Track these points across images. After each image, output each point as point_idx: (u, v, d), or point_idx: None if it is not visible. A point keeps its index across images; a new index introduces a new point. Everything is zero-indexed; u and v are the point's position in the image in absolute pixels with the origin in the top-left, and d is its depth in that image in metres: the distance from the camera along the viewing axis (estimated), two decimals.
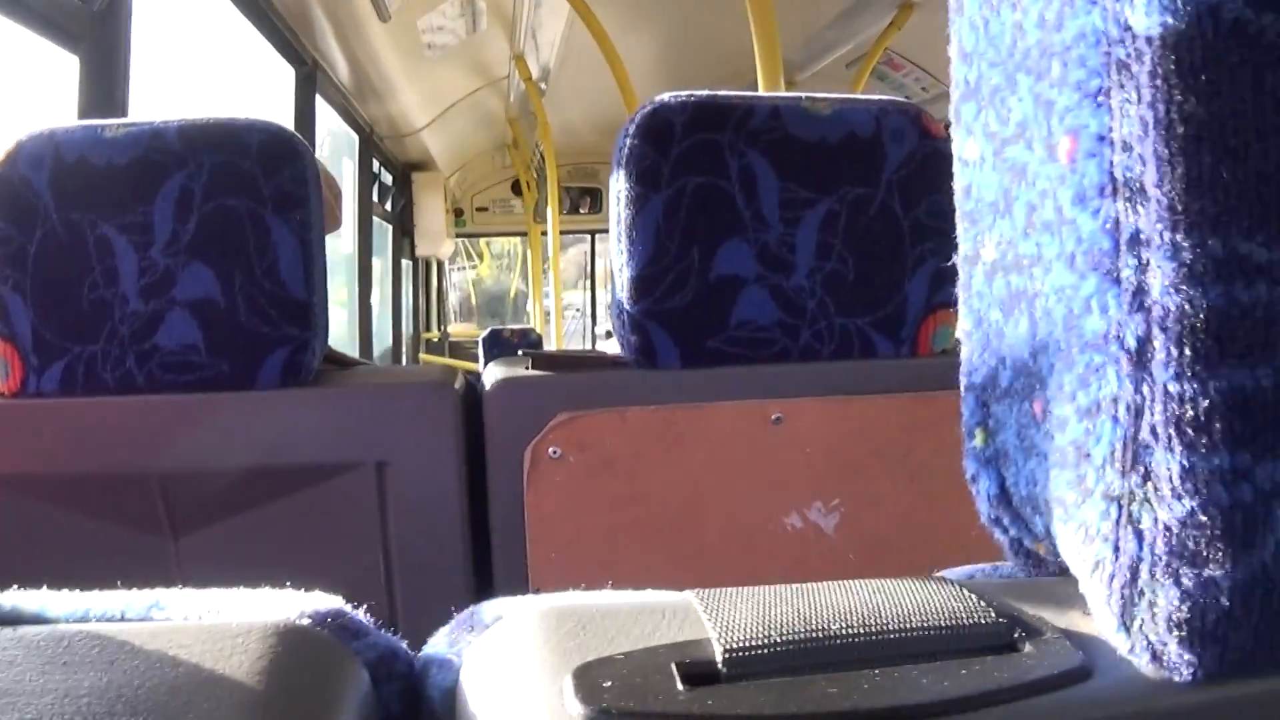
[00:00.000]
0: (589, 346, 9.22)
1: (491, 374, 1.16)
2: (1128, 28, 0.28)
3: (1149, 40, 0.28)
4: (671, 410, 1.13)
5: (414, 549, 1.14)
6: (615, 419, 1.13)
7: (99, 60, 2.23)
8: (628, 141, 1.11)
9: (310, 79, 4.32)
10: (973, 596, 0.35)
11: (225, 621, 0.37)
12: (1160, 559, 0.30)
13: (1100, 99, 0.29)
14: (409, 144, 6.78)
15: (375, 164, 6.33)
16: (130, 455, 1.10)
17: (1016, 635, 0.33)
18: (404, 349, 7.56)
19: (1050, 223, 0.32)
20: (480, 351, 6.44)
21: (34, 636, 0.35)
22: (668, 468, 1.15)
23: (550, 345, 6.34)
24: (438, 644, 0.40)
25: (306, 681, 0.34)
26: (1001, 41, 0.34)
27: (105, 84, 2.18)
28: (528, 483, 1.13)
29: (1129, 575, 0.30)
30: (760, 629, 0.32)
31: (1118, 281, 0.29)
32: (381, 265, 7.23)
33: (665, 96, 1.12)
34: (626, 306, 1.12)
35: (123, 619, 0.38)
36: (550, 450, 1.12)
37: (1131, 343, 0.29)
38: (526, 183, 8.25)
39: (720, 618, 0.33)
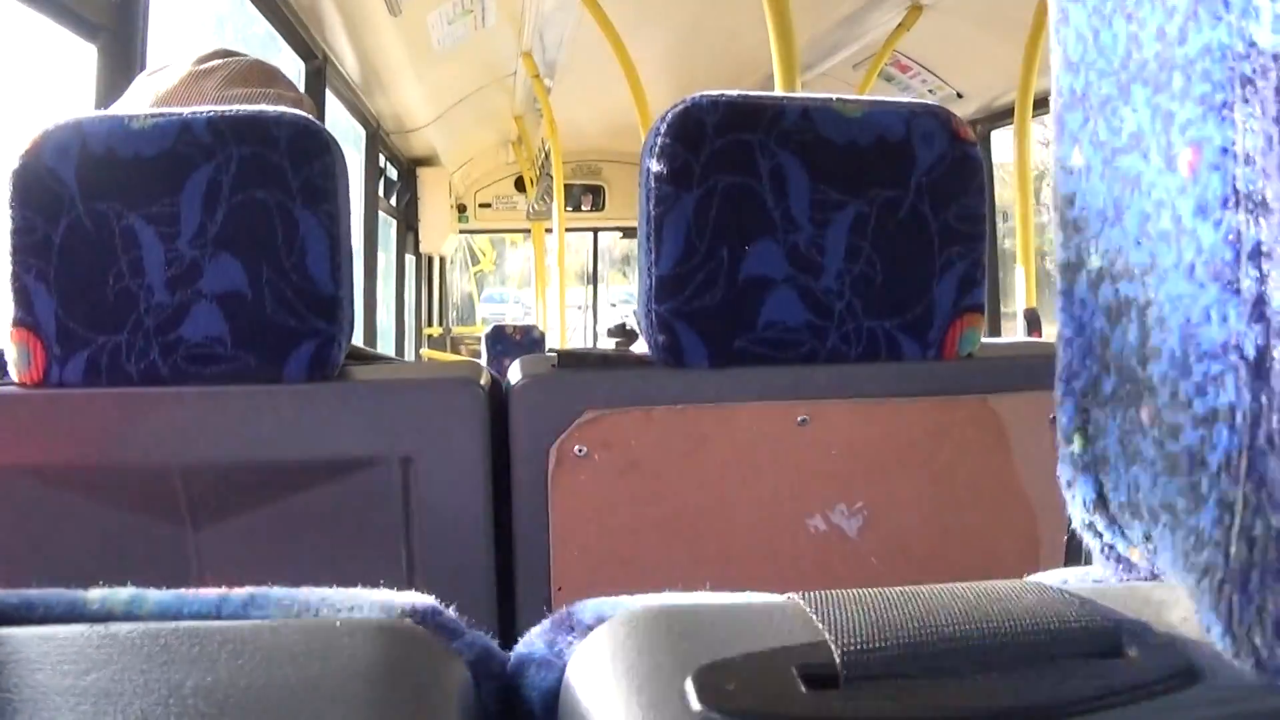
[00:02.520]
0: (590, 343, 9.22)
1: (517, 371, 1.15)
2: (1253, 43, 0.28)
3: (1275, 57, 0.28)
4: (698, 410, 1.13)
5: (437, 545, 1.14)
6: (641, 418, 1.13)
7: (117, 50, 2.23)
8: (659, 140, 1.11)
9: (320, 73, 4.32)
10: (1075, 600, 0.35)
11: (330, 620, 0.37)
12: (1272, 565, 0.29)
13: (1224, 113, 0.29)
14: (414, 139, 6.78)
15: (381, 159, 6.34)
16: (152, 447, 1.10)
17: (1123, 639, 0.33)
18: (406, 344, 7.57)
19: (1167, 233, 0.32)
20: (483, 348, 6.43)
21: (128, 635, 0.35)
22: (693, 468, 1.14)
23: (554, 342, 6.33)
24: (533, 644, 0.40)
25: (415, 680, 0.34)
26: (1114, 52, 0.34)
27: (123, 74, 2.17)
28: (552, 481, 1.12)
29: (1239, 581, 0.30)
30: (875, 632, 0.32)
31: (1238, 292, 0.29)
32: (385, 260, 7.23)
33: (697, 95, 1.12)
34: (654, 305, 1.12)
35: (218, 616, 0.38)
36: (575, 448, 1.12)
37: (1251, 352, 0.29)
38: (530, 179, 8.25)
39: (832, 621, 0.33)
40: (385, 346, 7.21)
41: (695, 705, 0.30)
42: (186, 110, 1.10)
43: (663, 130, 1.11)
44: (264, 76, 1.43)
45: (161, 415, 1.10)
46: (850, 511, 1.18)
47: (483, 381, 1.14)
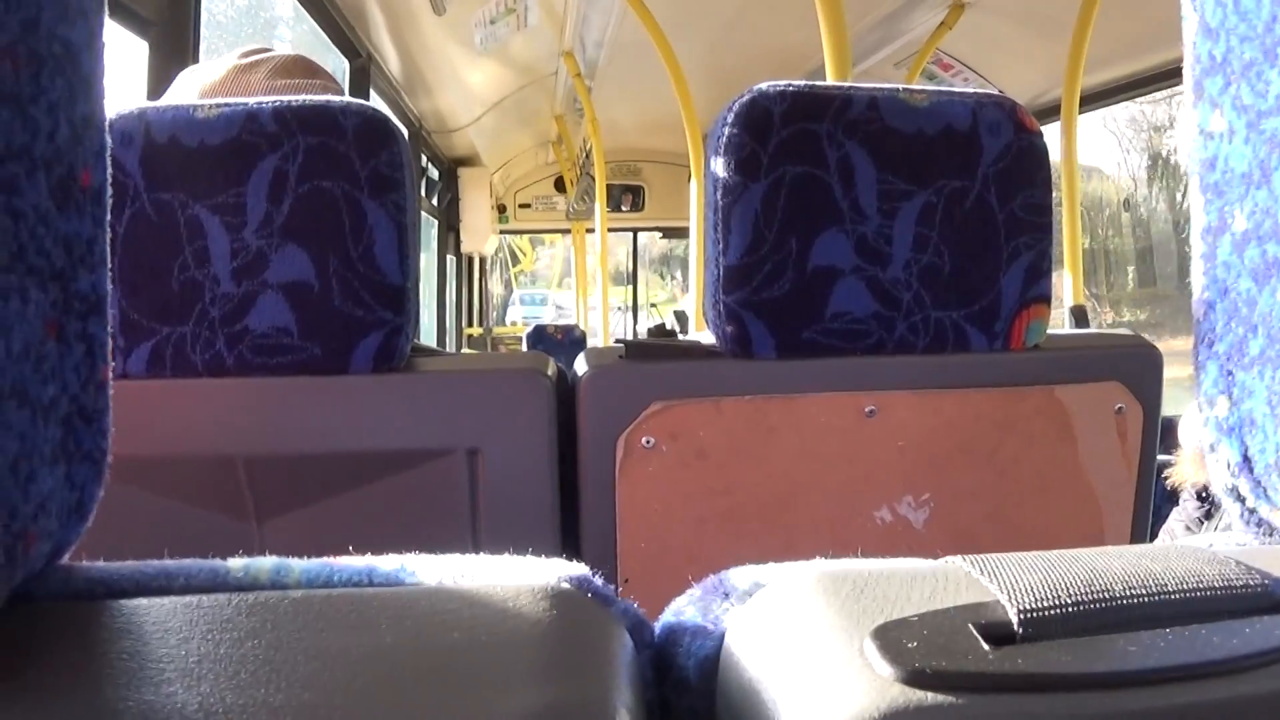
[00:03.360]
0: None
1: (584, 363, 1.15)
2: None
3: None
4: (765, 401, 1.12)
5: (504, 535, 1.13)
6: (709, 409, 1.12)
7: (168, 46, 2.24)
8: (726, 130, 1.10)
9: (364, 71, 4.34)
10: (1232, 561, 0.35)
11: (490, 586, 0.36)
12: None
13: None
14: (456, 139, 6.80)
15: (423, 159, 6.36)
16: (217, 438, 1.10)
17: None
18: (448, 344, 7.59)
19: None
20: (524, 348, 6.45)
21: (279, 601, 0.35)
22: (760, 459, 1.14)
23: (596, 343, 6.33)
24: (684, 612, 0.40)
25: (585, 645, 0.34)
26: (1256, 17, 0.34)
27: (175, 69, 2.17)
28: (619, 471, 1.12)
29: None
30: (1049, 590, 0.33)
31: None
32: (427, 260, 7.25)
33: (763, 86, 1.11)
34: (722, 296, 1.11)
35: (369, 584, 0.38)
36: (643, 440, 1.11)
37: None
38: (570, 180, 8.26)
39: (1003, 581, 0.34)
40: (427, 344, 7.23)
41: (880, 664, 0.30)
42: (251, 100, 1.09)
43: (730, 120, 1.10)
44: (308, 70, 1.44)
45: (226, 406, 1.10)
46: (916, 503, 1.17)
47: (550, 372, 1.14)
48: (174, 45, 2.25)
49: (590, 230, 7.92)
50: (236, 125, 1.08)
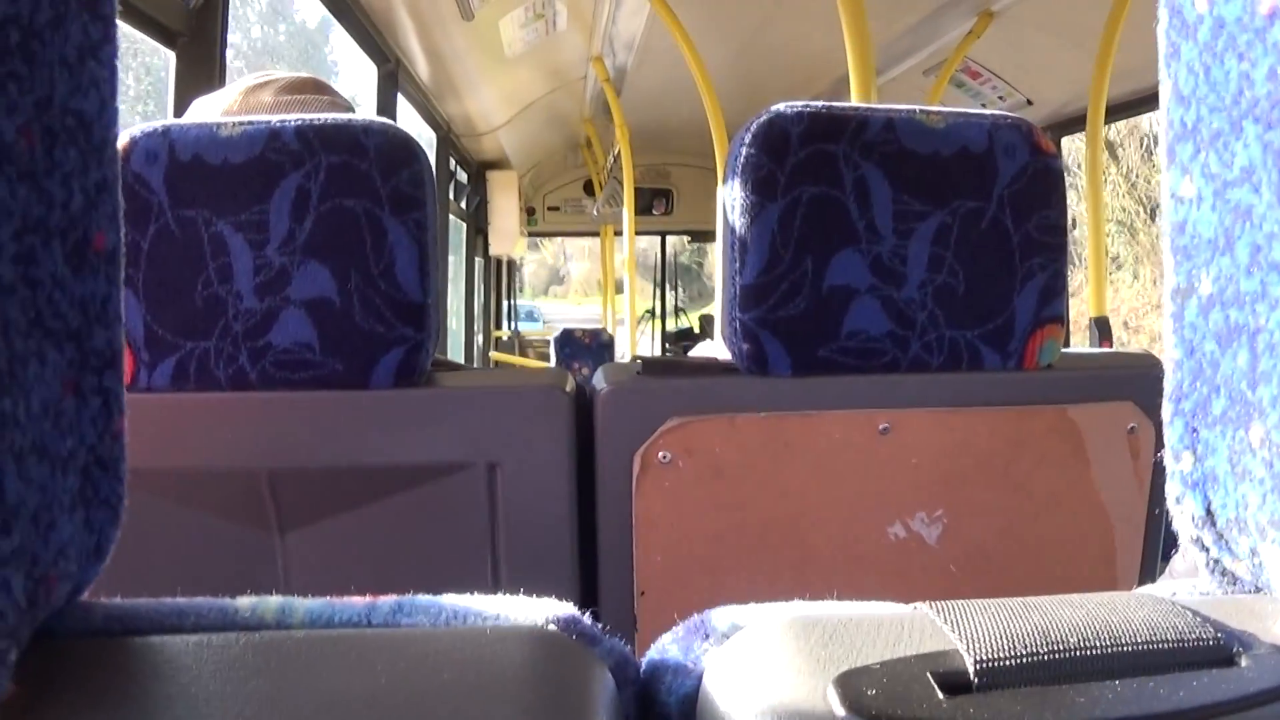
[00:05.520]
0: (658, 347, 9.23)
1: (602, 378, 1.16)
2: None
3: None
4: (781, 418, 1.13)
5: (521, 549, 1.15)
6: (725, 425, 1.13)
7: (195, 57, 2.27)
8: (743, 150, 1.11)
9: (392, 77, 4.36)
10: (1188, 613, 0.36)
11: (480, 627, 0.38)
12: None
13: None
14: (485, 142, 6.83)
15: (451, 162, 6.38)
16: (240, 451, 1.12)
17: (1235, 650, 0.35)
18: (475, 347, 7.62)
19: (1278, 264, 0.34)
20: (552, 351, 6.48)
21: (284, 642, 0.36)
22: (775, 474, 1.15)
23: (624, 347, 6.35)
24: (666, 650, 0.41)
25: (567, 685, 0.36)
26: (1225, 89, 0.36)
27: (202, 82, 2.21)
28: (637, 486, 1.13)
29: None
30: (1005, 641, 0.34)
31: None
32: (455, 263, 7.28)
33: (781, 106, 1.12)
34: (739, 314, 1.12)
35: (368, 624, 0.39)
36: (660, 455, 1.12)
37: None
38: (599, 183, 8.28)
39: (963, 630, 0.35)
40: (455, 348, 7.28)
41: (839, 711, 0.32)
42: (275, 118, 1.11)
43: (747, 141, 1.11)
44: (316, 87, 1.47)
45: (249, 420, 1.12)
46: (930, 519, 1.18)
47: (568, 388, 1.15)
48: (200, 56, 2.28)
49: (619, 233, 7.93)
50: (260, 143, 1.10)
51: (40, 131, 0.35)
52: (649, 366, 1.17)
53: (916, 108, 1.16)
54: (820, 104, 1.14)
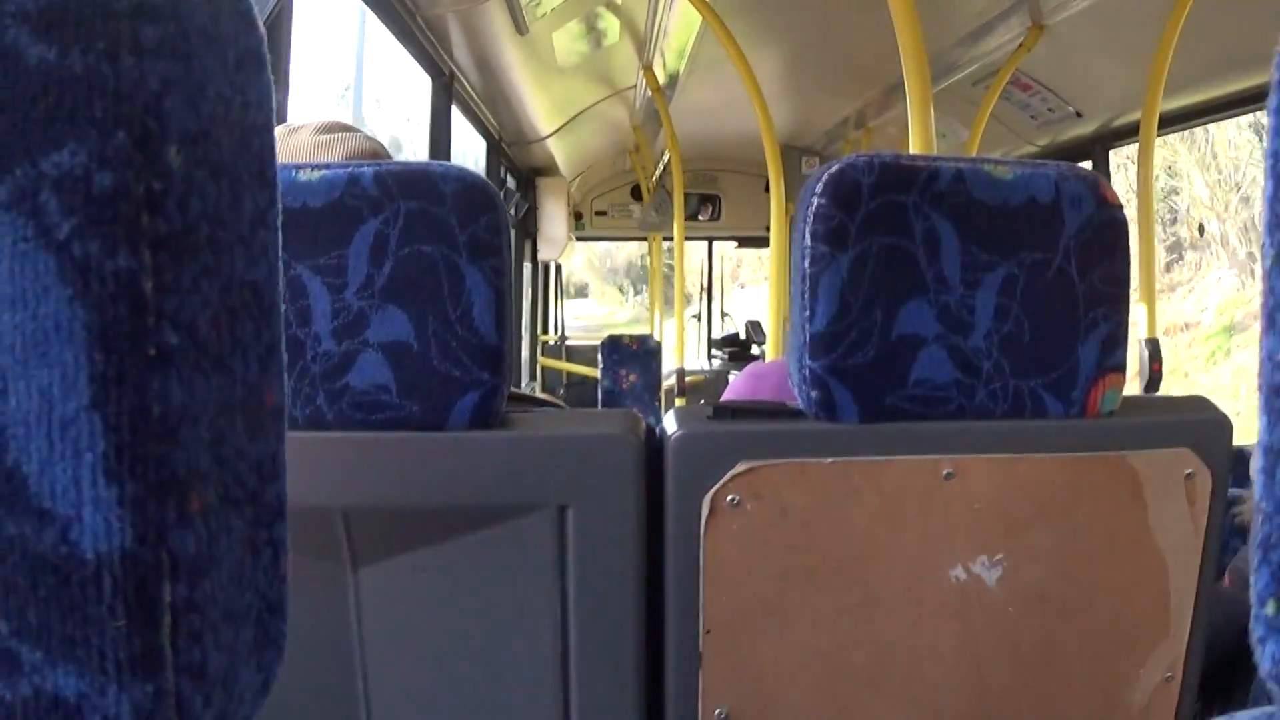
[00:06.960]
0: (705, 354, 9.22)
1: (673, 422, 1.18)
2: None
3: None
4: (848, 464, 1.15)
5: (589, 589, 1.17)
6: (794, 470, 1.15)
7: None
8: (814, 200, 1.13)
9: (446, 88, 4.40)
10: None
11: None
12: None
13: None
14: (535, 150, 6.85)
15: (501, 169, 6.42)
16: (316, 489, 1.13)
17: None
18: (523, 349, 7.64)
19: None
20: (600, 356, 6.49)
21: None
22: (841, 518, 1.17)
23: (669, 354, 6.35)
24: None
25: None
26: None
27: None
28: (705, 529, 1.15)
29: None
30: None
31: None
32: None
33: (852, 157, 1.14)
34: (808, 361, 1.14)
35: None
36: (729, 498, 1.14)
37: None
38: (648, 189, 8.28)
39: None
40: None
41: None
42: (353, 164, 1.14)
43: (818, 190, 1.13)
44: (344, 128, 1.53)
45: (326, 459, 1.14)
46: (990, 563, 1.20)
47: (639, 432, 1.17)
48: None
49: (667, 239, 7.93)
50: (339, 189, 1.12)
51: (225, 316, 0.36)
52: (719, 412, 1.20)
53: (986, 158, 1.18)
54: (889, 154, 1.15)
